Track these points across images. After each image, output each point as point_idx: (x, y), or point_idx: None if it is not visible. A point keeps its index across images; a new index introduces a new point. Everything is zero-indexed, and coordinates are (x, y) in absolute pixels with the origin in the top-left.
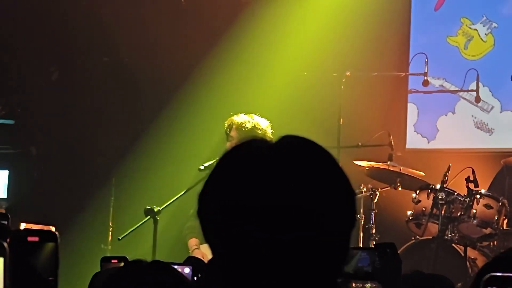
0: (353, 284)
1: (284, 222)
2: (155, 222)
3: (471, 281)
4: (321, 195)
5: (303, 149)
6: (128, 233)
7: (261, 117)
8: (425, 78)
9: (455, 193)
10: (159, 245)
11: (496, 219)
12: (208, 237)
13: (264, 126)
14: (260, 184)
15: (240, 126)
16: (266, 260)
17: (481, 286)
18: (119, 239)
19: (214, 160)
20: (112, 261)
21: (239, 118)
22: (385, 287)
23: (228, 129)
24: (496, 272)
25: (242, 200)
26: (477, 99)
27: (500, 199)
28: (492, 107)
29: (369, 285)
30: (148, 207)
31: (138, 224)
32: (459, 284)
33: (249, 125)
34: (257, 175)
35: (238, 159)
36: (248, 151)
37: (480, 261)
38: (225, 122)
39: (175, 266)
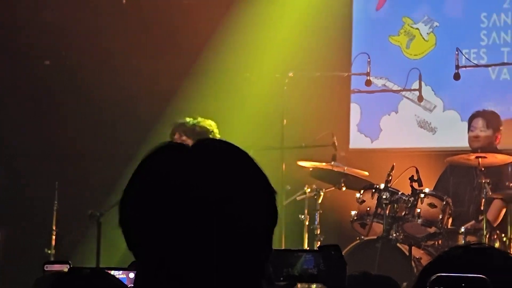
0: (299, 285)
1: (203, 224)
2: (99, 226)
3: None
4: (239, 195)
5: (220, 151)
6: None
7: (205, 119)
8: (368, 78)
9: (399, 193)
10: (106, 249)
11: (441, 218)
12: (132, 245)
13: (210, 128)
14: (179, 188)
15: (186, 130)
16: (190, 263)
17: (428, 286)
18: None
19: None
20: (55, 265)
21: (183, 122)
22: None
23: (172, 134)
24: (438, 271)
25: (162, 204)
26: (420, 98)
27: (444, 198)
28: (435, 106)
29: (314, 286)
30: (91, 211)
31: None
32: (404, 284)
33: (198, 129)
34: (176, 179)
35: (156, 164)
36: (165, 156)
37: (425, 260)
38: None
39: (120, 272)
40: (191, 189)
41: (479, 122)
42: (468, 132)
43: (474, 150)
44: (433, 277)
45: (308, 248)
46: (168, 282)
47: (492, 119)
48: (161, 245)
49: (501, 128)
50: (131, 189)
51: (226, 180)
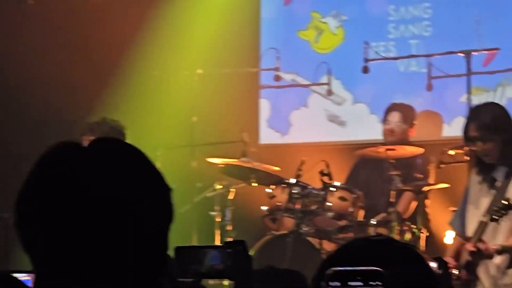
0: (210, 282)
1: (99, 222)
2: (7, 228)
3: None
4: (133, 192)
5: (114, 150)
6: None
7: (114, 118)
8: (277, 73)
9: (310, 187)
10: (17, 252)
11: (351, 211)
12: (29, 248)
13: (118, 127)
14: (74, 188)
15: (94, 129)
16: (102, 264)
17: (325, 280)
18: None
19: None
20: None
21: (92, 122)
22: (238, 284)
23: (81, 134)
24: (337, 264)
25: (57, 205)
26: (329, 92)
27: (355, 191)
28: (344, 100)
29: (227, 282)
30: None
31: None
32: None
33: (105, 128)
34: (70, 179)
35: (51, 165)
36: (60, 155)
37: None
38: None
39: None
40: (89, 188)
41: (396, 116)
42: (383, 124)
43: (387, 143)
44: (329, 271)
45: (214, 245)
46: (74, 283)
47: (407, 113)
48: (65, 246)
49: (415, 122)
50: (28, 190)
51: (122, 179)
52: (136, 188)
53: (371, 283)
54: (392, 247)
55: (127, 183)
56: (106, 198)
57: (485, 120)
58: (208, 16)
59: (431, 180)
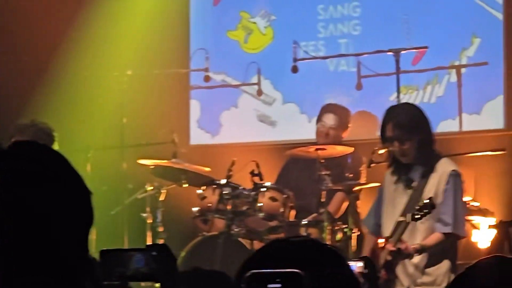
0: (142, 284)
1: (16, 226)
2: None
3: None
4: (51, 196)
5: (33, 153)
6: None
7: (44, 120)
8: (206, 74)
9: (241, 188)
10: None
11: (282, 211)
12: None
13: (48, 129)
14: None
15: (24, 132)
16: (6, 266)
17: (244, 283)
18: None
19: None
20: None
21: (21, 123)
22: (163, 287)
23: (10, 136)
24: (257, 265)
25: None
26: (259, 93)
27: (285, 191)
28: (274, 100)
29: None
30: None
31: None
32: None
33: (34, 130)
34: None
35: None
36: None
37: None
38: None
39: None
40: (5, 192)
41: (331, 119)
42: (317, 124)
43: (319, 144)
44: (248, 273)
45: (139, 248)
46: None
47: (343, 116)
48: None
49: (349, 125)
50: None
51: (40, 182)
52: (54, 192)
53: (290, 285)
54: (311, 248)
55: (45, 186)
56: (23, 202)
57: (402, 120)
58: (138, 17)
59: (362, 179)
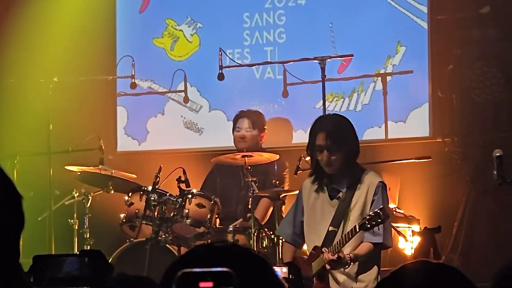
0: None
1: None
2: None
3: None
4: None
5: None
6: None
7: None
8: (133, 81)
9: (168, 194)
10: None
11: (209, 218)
12: None
13: None
14: None
15: None
16: None
17: (174, 284)
18: None
19: None
20: None
21: None
22: None
23: None
24: (187, 267)
25: None
26: (186, 100)
27: (212, 197)
28: (201, 107)
29: None
30: None
31: None
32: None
33: None
34: None
35: None
36: None
37: None
38: None
39: None
40: None
41: (245, 122)
42: (233, 132)
43: (240, 150)
44: (179, 273)
45: (72, 253)
46: None
47: (257, 119)
48: None
49: (265, 127)
50: None
51: None
52: None
53: (221, 283)
54: (236, 253)
55: None
56: None
57: (333, 131)
58: (64, 24)
59: (287, 186)
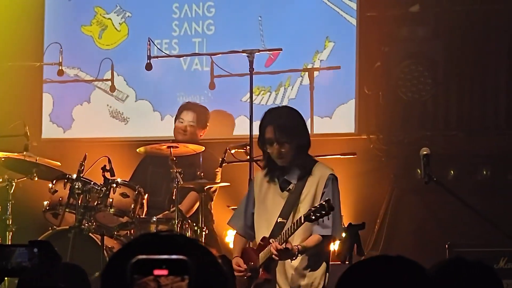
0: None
1: None
2: None
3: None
4: None
5: None
6: None
7: None
8: (60, 68)
9: (92, 183)
10: None
11: (133, 208)
12: None
13: None
14: None
15: None
16: None
17: (128, 270)
18: None
19: None
20: None
21: None
22: (43, 280)
23: None
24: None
25: None
26: (112, 89)
27: (137, 187)
28: (127, 96)
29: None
30: None
31: None
32: (97, 274)
33: None
34: None
35: None
36: None
37: None
38: None
39: None
40: None
41: (189, 115)
42: (175, 121)
43: (177, 141)
44: (134, 260)
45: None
46: None
47: (202, 115)
48: None
49: (208, 124)
50: None
51: None
52: None
53: (176, 271)
54: (181, 242)
55: None
56: None
57: (283, 123)
58: None
59: (216, 179)
